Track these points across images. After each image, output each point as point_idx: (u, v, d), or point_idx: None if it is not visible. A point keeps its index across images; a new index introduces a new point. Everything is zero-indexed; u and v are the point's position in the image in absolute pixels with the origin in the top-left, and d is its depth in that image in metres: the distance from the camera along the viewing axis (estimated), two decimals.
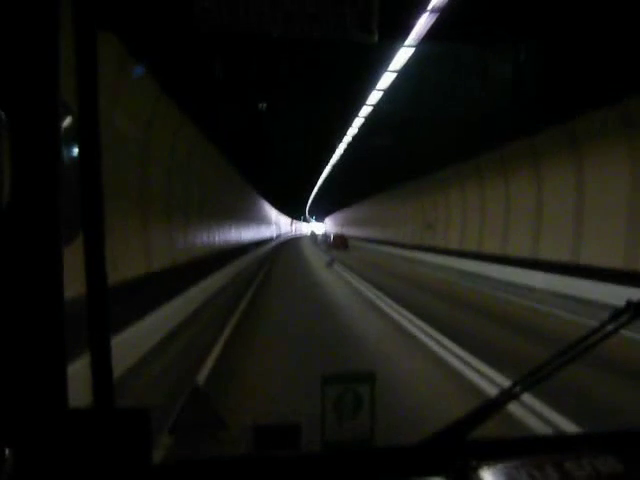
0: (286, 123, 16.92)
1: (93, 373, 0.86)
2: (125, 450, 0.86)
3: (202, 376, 5.37)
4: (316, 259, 26.66)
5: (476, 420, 1.02)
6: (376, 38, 0.86)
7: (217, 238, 17.61)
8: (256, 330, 8.14)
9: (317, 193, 60.25)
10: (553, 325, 9.03)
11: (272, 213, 45.09)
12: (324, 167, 36.19)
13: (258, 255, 25.03)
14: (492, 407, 1.05)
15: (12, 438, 0.76)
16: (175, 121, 10.90)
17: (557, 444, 1.15)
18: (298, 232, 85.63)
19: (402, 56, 12.03)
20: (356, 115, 18.12)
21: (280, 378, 5.30)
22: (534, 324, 9.19)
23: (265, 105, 13.01)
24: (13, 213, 0.75)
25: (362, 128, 19.91)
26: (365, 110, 17.26)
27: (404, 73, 13.08)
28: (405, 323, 8.72)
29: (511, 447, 1.07)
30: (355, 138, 23.27)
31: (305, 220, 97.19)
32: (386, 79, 13.91)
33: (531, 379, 1.08)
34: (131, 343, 5.46)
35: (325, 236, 52.78)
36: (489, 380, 5.22)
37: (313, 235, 76.17)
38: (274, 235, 45.44)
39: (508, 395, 1.08)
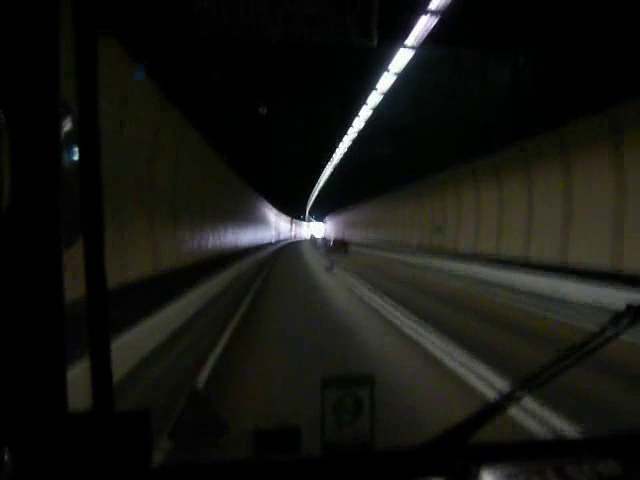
0: (286, 123, 16.99)
1: (93, 376, 0.86)
2: (125, 454, 0.85)
3: (205, 372, 5.38)
4: (316, 263, 26.61)
5: (477, 424, 1.01)
6: (375, 43, 0.86)
7: (217, 241, 17.60)
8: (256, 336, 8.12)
9: (317, 193, 60.38)
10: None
11: (271, 215, 45.05)
12: (324, 167, 36.25)
13: (258, 259, 25.03)
14: (493, 411, 1.05)
15: (12, 441, 0.76)
16: (175, 122, 10.91)
17: (558, 448, 1.14)
18: (298, 236, 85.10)
19: (402, 59, 12.10)
20: (356, 115, 18.19)
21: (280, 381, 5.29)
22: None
23: (265, 109, 13.05)
24: (13, 215, 0.75)
25: (363, 130, 19.98)
26: (367, 112, 17.32)
27: (403, 77, 13.17)
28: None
29: (512, 451, 1.07)
30: (355, 141, 23.33)
31: (305, 219, 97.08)
32: (387, 82, 13.98)
33: (532, 383, 1.08)
34: (131, 345, 5.46)
35: (325, 240, 52.72)
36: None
37: (313, 239, 76.28)
38: (273, 240, 45.30)
39: (509, 399, 1.08)
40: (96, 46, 0.82)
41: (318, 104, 14.93)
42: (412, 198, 30.98)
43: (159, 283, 9.13)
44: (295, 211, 76.74)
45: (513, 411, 3.83)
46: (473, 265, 18.80)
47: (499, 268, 16.53)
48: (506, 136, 14.68)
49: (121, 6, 5.15)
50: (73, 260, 0.84)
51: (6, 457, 0.74)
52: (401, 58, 11.98)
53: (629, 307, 1.07)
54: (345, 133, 22.28)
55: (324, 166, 36.14)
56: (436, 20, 8.95)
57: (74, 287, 0.91)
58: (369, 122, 18.68)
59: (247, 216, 28.11)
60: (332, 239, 45.16)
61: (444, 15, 8.64)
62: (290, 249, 44.25)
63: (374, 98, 15.75)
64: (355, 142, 23.58)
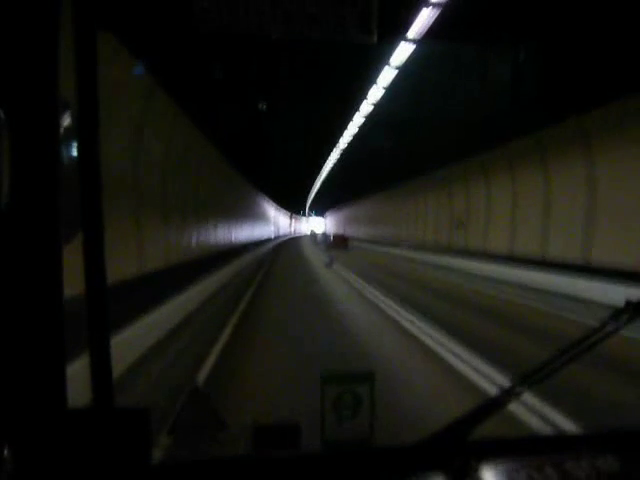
0: (287, 119, 16.95)
1: (92, 372, 0.86)
2: (124, 450, 0.86)
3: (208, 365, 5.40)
4: (316, 258, 26.56)
5: (476, 420, 1.02)
6: (375, 39, 0.86)
7: (216, 238, 17.56)
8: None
9: (318, 189, 60.27)
10: None
11: (271, 210, 44.95)
12: (325, 162, 36.13)
13: (257, 255, 25.00)
14: (492, 407, 1.05)
15: (12, 438, 0.76)
16: (173, 120, 10.88)
17: (557, 444, 1.15)
18: (297, 232, 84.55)
19: (402, 53, 12.07)
20: (357, 110, 18.13)
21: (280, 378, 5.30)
22: None
23: (265, 105, 13.02)
24: (12, 212, 0.75)
25: (363, 126, 19.92)
26: (367, 107, 17.27)
27: (404, 71, 13.13)
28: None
29: (511, 447, 1.07)
30: (356, 136, 23.25)
31: (305, 215, 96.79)
32: (388, 76, 13.95)
33: (531, 379, 1.08)
34: (130, 342, 5.48)
35: (325, 236, 52.60)
36: None
37: (313, 234, 76.18)
38: (272, 236, 45.16)
39: (508, 395, 1.08)
40: (96, 44, 0.81)
41: (318, 99, 14.91)
42: (416, 193, 29.76)
43: (158, 282, 9.12)
44: (295, 206, 76.66)
45: (513, 406, 3.83)
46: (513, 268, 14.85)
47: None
48: (522, 128, 13.96)
49: (121, 5, 5.13)
50: (73, 256, 0.84)
51: (6, 453, 0.74)
52: (402, 52, 11.96)
53: (628, 303, 1.07)
54: (345, 128, 22.23)
55: (324, 161, 36.06)
56: (437, 13, 8.91)
57: (74, 283, 0.91)
58: (369, 117, 18.63)
59: (245, 212, 28.05)
60: (332, 235, 45.03)
61: (445, 8, 8.60)
62: (290, 245, 44.00)
63: (374, 93, 15.72)
64: (356, 137, 23.53)
